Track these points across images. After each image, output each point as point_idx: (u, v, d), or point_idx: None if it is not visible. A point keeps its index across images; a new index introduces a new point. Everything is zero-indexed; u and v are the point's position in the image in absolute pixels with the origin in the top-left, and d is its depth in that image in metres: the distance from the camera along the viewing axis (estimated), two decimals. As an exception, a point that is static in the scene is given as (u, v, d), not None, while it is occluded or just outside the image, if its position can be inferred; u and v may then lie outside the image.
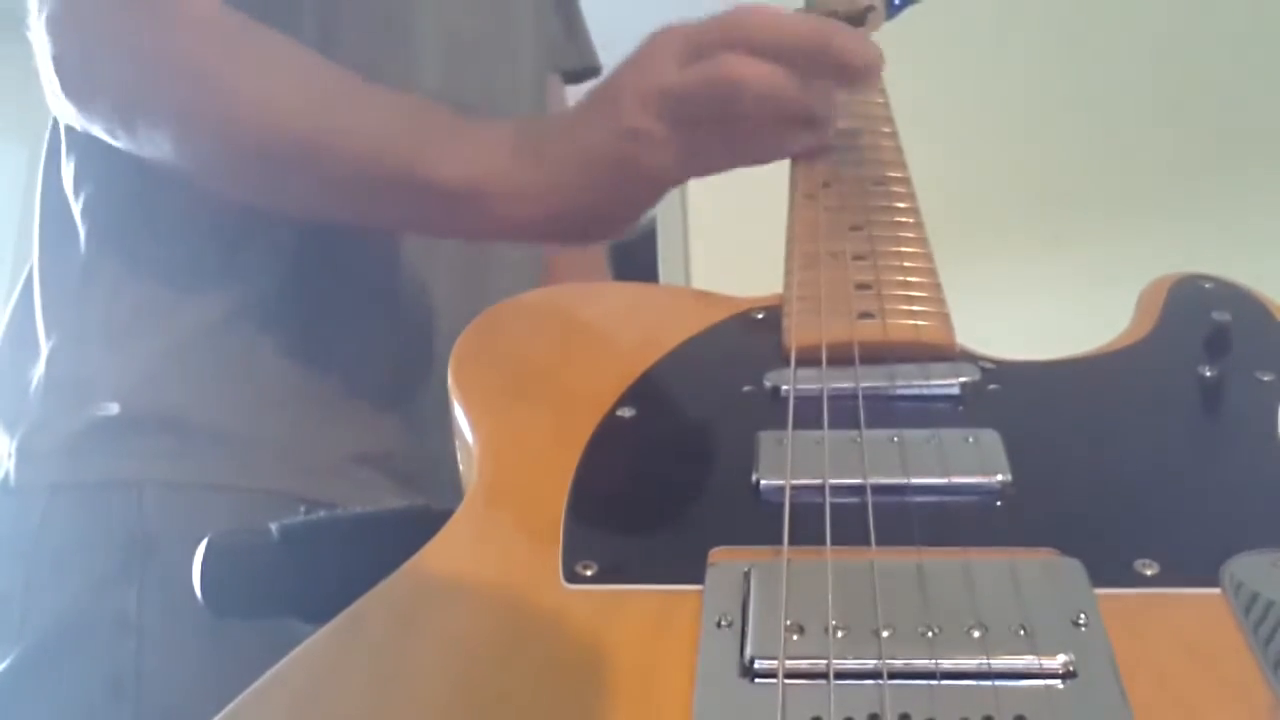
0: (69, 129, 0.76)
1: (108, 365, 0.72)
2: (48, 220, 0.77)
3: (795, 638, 0.35)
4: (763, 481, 0.44)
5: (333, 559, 0.50)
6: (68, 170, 0.77)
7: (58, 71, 0.67)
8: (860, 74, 0.60)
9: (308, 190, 0.66)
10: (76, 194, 0.76)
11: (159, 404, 0.70)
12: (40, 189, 0.78)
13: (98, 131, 0.68)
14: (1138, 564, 0.39)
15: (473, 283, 0.80)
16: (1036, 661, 0.34)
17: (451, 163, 0.62)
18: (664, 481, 0.47)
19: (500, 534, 0.44)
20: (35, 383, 0.73)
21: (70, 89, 0.68)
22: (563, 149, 0.61)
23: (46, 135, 0.79)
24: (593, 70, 1.02)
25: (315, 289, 0.74)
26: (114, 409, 0.70)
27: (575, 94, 1.00)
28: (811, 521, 0.41)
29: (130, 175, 0.72)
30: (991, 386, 0.50)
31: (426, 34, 0.81)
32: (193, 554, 0.49)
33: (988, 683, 0.34)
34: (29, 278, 0.77)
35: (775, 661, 0.34)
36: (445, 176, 0.61)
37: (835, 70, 0.60)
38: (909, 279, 0.55)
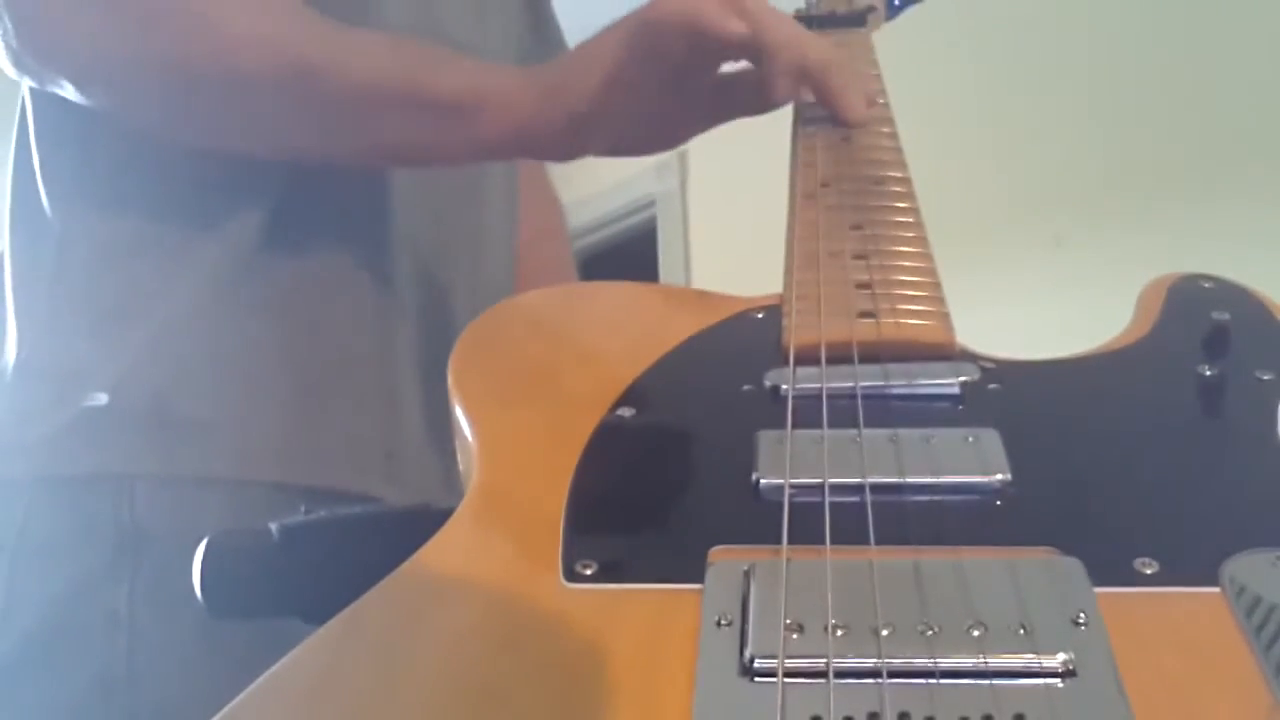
0: (37, 104, 0.74)
1: (93, 353, 0.70)
2: (18, 198, 0.75)
3: (795, 637, 0.35)
4: (762, 481, 0.44)
5: (333, 559, 0.50)
6: (37, 146, 0.75)
7: (14, 23, 0.65)
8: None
9: (304, 120, 0.67)
10: (45, 171, 0.74)
11: (148, 394, 0.69)
12: (12, 165, 0.76)
13: (66, 89, 0.66)
14: (1137, 563, 0.39)
15: (441, 279, 0.80)
16: (1036, 660, 0.34)
17: (452, 77, 0.65)
18: (663, 481, 0.47)
19: (500, 533, 0.44)
20: (9, 370, 0.71)
21: (30, 43, 0.65)
22: (575, 56, 0.66)
23: (17, 111, 0.76)
24: None
25: (292, 278, 0.73)
26: (103, 399, 0.69)
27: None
28: (811, 521, 0.41)
29: (101, 151, 0.71)
30: (991, 386, 0.50)
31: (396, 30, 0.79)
32: (187, 549, 0.49)
33: (987, 681, 0.34)
34: None
35: (775, 660, 0.34)
36: (447, 88, 0.65)
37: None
38: (909, 278, 0.56)
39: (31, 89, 0.74)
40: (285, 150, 0.70)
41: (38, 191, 0.74)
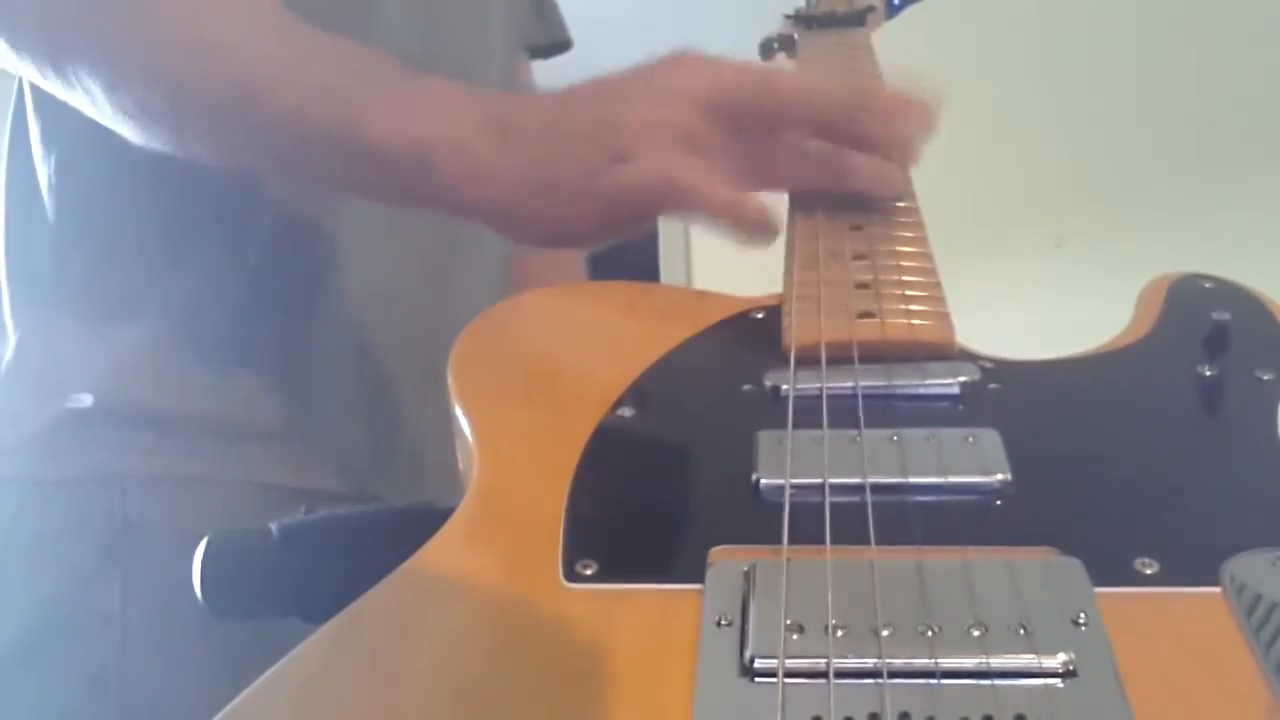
0: (35, 98, 0.73)
1: (79, 355, 0.70)
2: (14, 198, 0.75)
3: (795, 637, 0.35)
4: (763, 481, 0.44)
5: (333, 558, 0.50)
6: (34, 144, 0.74)
7: None
8: (888, 148, 0.60)
9: (237, 140, 0.60)
10: (44, 170, 0.73)
11: (134, 396, 0.69)
12: (6, 162, 0.75)
13: (27, 71, 0.63)
14: (1137, 563, 0.39)
15: (437, 273, 0.79)
16: (1036, 660, 0.34)
17: (393, 123, 0.55)
18: (664, 481, 0.47)
19: (500, 533, 0.44)
20: (3, 370, 0.71)
21: None
22: (539, 145, 0.55)
23: (11, 103, 0.75)
24: (562, 45, 0.95)
25: (287, 276, 0.73)
26: (87, 400, 0.68)
27: (540, 69, 0.98)
28: (811, 521, 0.41)
29: (98, 150, 0.68)
30: (991, 386, 0.50)
31: None
32: (181, 548, 0.49)
33: (987, 682, 0.34)
34: None
35: (775, 661, 0.34)
36: (384, 137, 0.55)
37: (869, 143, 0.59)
38: (909, 278, 0.55)
39: (32, 90, 0.73)
40: (226, 164, 0.64)
41: (39, 193, 0.73)
